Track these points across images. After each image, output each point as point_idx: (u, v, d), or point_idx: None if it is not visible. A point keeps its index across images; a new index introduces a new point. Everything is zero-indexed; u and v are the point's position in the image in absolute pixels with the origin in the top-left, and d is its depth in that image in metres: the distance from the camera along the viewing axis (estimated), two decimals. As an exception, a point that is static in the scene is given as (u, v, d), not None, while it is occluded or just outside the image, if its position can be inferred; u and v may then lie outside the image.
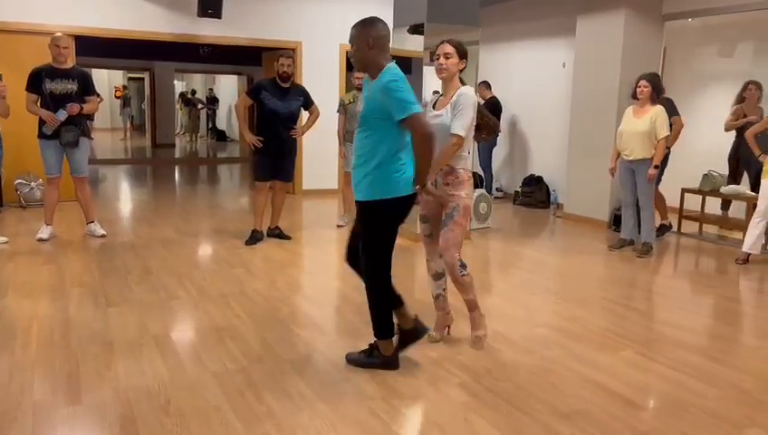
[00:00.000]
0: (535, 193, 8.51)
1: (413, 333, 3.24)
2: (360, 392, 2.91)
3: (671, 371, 3.26)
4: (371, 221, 3.01)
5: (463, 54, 3.32)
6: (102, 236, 5.90)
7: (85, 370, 3.05)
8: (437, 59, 3.34)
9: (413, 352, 3.36)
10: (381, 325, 3.12)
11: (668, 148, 5.86)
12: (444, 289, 3.57)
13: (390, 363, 3.15)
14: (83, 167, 5.76)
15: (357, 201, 3.04)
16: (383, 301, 3.11)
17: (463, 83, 3.39)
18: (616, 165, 5.93)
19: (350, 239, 3.22)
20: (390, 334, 3.14)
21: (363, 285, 3.16)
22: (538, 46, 8.70)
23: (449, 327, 3.63)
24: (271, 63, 8.23)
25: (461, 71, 3.36)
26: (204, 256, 5.55)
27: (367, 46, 2.95)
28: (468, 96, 3.29)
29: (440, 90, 3.53)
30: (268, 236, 6.05)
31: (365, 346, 3.27)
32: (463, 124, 3.25)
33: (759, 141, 5.71)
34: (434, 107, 3.43)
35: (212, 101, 20.54)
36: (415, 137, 2.85)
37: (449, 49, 3.29)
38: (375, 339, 3.17)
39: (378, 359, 3.16)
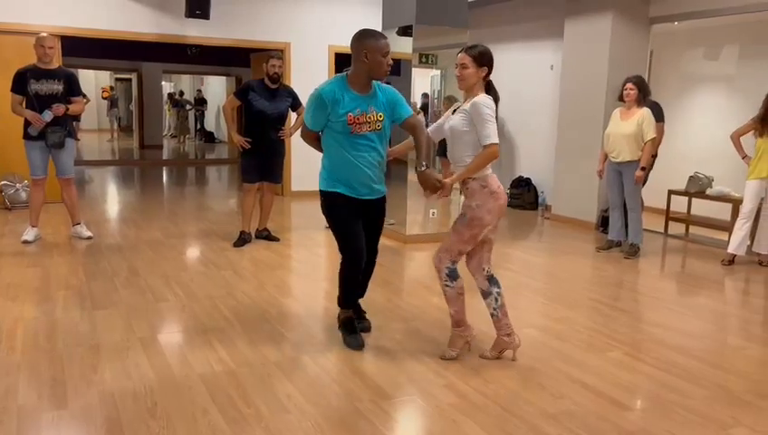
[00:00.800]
0: (523, 195, 8.54)
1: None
2: (348, 394, 2.91)
3: (658, 371, 3.29)
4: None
5: (482, 62, 3.17)
6: (89, 238, 5.86)
7: (71, 373, 3.02)
8: (456, 68, 3.25)
9: (402, 354, 3.36)
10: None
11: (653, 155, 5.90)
12: (495, 308, 3.32)
13: (345, 326, 3.51)
14: (69, 168, 5.71)
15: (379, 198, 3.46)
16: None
17: (488, 90, 3.26)
18: (604, 167, 5.97)
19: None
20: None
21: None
22: (526, 48, 8.74)
23: (507, 350, 3.37)
24: (259, 64, 8.21)
25: (484, 78, 3.23)
26: (191, 258, 5.52)
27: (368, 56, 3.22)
28: (479, 103, 3.13)
29: (428, 92, 3.55)
30: (256, 237, 6.03)
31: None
32: (490, 132, 3.12)
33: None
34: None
35: (200, 102, 20.45)
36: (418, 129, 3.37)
37: (464, 60, 3.18)
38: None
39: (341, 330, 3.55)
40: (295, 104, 5.84)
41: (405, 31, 6.09)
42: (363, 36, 3.27)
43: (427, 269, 5.13)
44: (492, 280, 3.32)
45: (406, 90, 6.02)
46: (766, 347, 3.73)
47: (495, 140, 3.11)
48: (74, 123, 5.83)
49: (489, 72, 3.23)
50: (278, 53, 5.72)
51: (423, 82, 6.62)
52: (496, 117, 3.23)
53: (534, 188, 8.55)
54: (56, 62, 5.74)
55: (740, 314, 4.46)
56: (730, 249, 5.69)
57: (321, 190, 3.47)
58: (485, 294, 3.33)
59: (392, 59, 3.33)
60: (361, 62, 3.22)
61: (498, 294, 3.32)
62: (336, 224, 3.49)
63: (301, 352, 3.40)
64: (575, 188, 7.43)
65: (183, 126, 19.73)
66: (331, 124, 3.29)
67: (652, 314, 4.35)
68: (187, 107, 20.04)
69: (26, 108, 5.41)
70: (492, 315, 3.34)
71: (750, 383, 3.18)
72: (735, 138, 5.67)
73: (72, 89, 5.59)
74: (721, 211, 6.76)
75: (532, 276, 5.27)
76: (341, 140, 3.31)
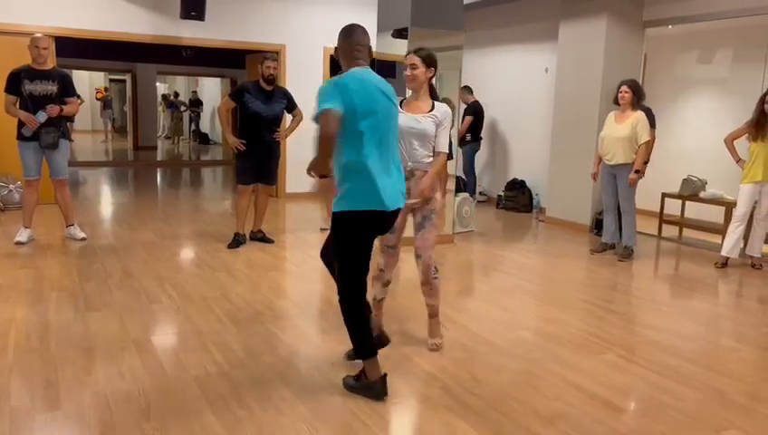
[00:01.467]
0: (518, 197, 8.56)
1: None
2: (342, 396, 2.90)
3: (651, 373, 3.30)
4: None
5: (430, 63, 3.38)
6: (82, 239, 5.83)
7: (64, 375, 3.01)
8: (405, 69, 3.44)
9: (396, 355, 3.36)
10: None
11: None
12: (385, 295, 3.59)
13: (372, 389, 2.86)
14: (63, 169, 5.68)
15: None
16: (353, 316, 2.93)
17: (432, 89, 3.48)
18: (598, 170, 5.99)
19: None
20: (371, 354, 2.90)
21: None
22: (521, 51, 8.76)
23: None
24: (254, 66, 8.21)
25: (430, 79, 3.43)
26: (186, 259, 5.50)
27: (338, 53, 3.02)
28: (448, 113, 3.44)
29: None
30: (251, 239, 6.02)
31: (347, 349, 3.28)
32: (446, 142, 3.44)
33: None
34: (401, 105, 3.43)
35: (196, 103, 20.41)
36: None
37: (414, 60, 3.38)
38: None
39: (359, 384, 2.91)
40: (290, 106, 5.84)
41: (400, 33, 6.09)
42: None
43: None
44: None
45: (400, 92, 6.00)
46: (759, 350, 3.75)
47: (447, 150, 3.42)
48: (68, 124, 5.80)
49: (433, 75, 3.44)
50: (273, 55, 5.72)
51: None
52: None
53: (529, 190, 8.56)
54: (50, 62, 5.72)
55: (733, 317, 4.48)
56: (723, 252, 5.72)
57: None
58: (388, 283, 3.56)
59: (387, 61, 3.34)
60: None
61: None
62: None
63: (295, 353, 3.39)
64: (569, 190, 7.45)
65: (177, 127, 19.70)
66: None
67: (646, 316, 4.37)
68: (182, 108, 20.00)
69: (20, 108, 5.39)
70: (382, 300, 3.58)
71: (743, 386, 3.20)
72: (729, 142, 5.70)
73: (67, 89, 5.57)
74: (714, 214, 6.79)
75: (526, 278, 5.28)
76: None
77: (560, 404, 2.90)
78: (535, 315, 4.26)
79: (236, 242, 5.81)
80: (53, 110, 5.38)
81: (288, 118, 6.01)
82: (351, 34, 2.96)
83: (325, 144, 2.74)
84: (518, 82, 8.72)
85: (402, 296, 4.55)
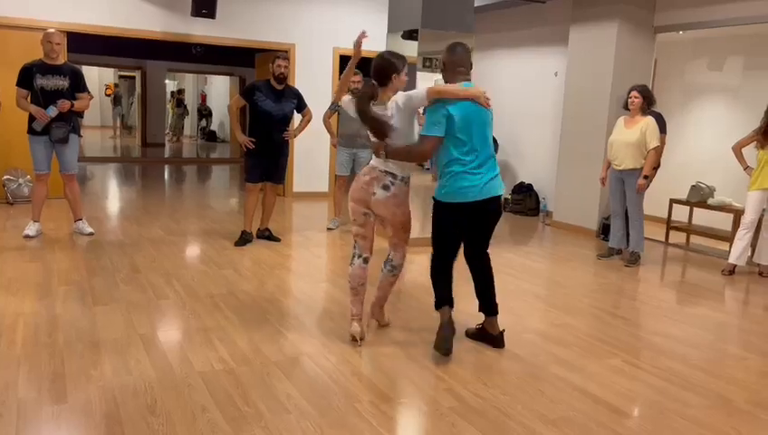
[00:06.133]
0: (525, 201, 8.55)
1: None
2: (347, 395, 2.91)
3: (657, 379, 3.29)
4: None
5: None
6: (90, 234, 5.86)
7: (71, 368, 3.03)
8: None
9: (402, 356, 3.37)
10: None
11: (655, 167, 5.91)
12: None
13: (438, 332, 3.44)
14: (73, 164, 5.72)
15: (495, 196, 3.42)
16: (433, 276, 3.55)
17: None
18: (606, 174, 5.98)
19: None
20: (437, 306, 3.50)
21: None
22: (531, 54, 8.75)
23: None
24: (264, 65, 8.25)
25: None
26: (192, 256, 5.52)
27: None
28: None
29: None
30: (258, 237, 6.04)
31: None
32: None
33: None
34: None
35: (206, 112, 20.50)
36: None
37: None
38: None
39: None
40: (301, 105, 5.85)
41: (410, 35, 6.10)
42: (463, 46, 3.49)
43: (426, 272, 5.13)
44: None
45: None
46: (765, 358, 3.73)
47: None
48: (79, 119, 5.83)
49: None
50: (285, 54, 5.73)
51: (426, 84, 6.62)
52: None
53: (536, 194, 8.55)
54: (62, 58, 5.75)
55: (740, 325, 4.46)
56: (731, 259, 5.70)
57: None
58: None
59: None
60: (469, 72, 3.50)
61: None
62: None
63: (300, 352, 3.40)
64: (577, 194, 7.44)
65: (178, 125, 19.73)
66: None
67: (652, 322, 4.35)
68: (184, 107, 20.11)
69: (31, 103, 5.42)
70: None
71: (749, 394, 3.18)
72: (737, 149, 5.68)
73: (78, 85, 5.60)
74: (722, 221, 6.77)
75: (533, 282, 5.27)
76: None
77: (565, 408, 2.90)
78: (541, 319, 4.25)
79: (243, 240, 5.83)
80: (64, 105, 5.41)
81: (297, 117, 6.03)
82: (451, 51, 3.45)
83: None
84: (527, 86, 8.70)
85: (409, 298, 4.55)
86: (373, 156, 3.49)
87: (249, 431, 2.54)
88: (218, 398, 2.81)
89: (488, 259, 3.59)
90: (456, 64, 3.39)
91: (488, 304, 3.59)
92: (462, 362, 3.37)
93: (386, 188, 3.41)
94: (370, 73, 3.46)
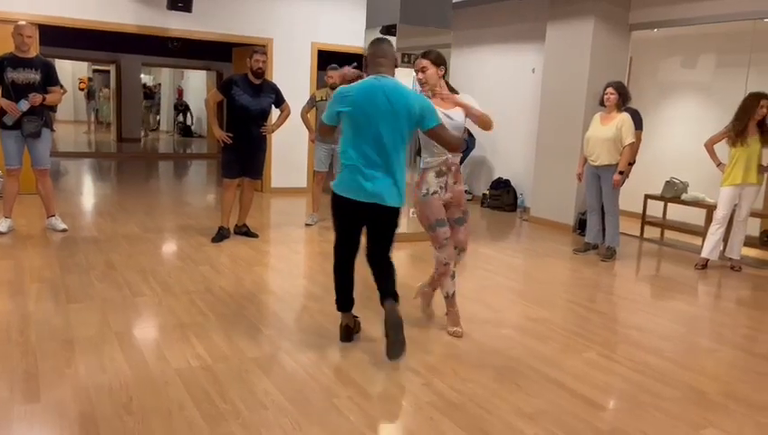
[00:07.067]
0: (503, 196, 8.60)
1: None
2: (326, 391, 2.90)
3: (632, 372, 3.34)
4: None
5: (440, 62, 3.63)
6: (63, 230, 5.77)
7: (44, 367, 2.98)
8: (416, 73, 3.68)
9: (380, 352, 3.37)
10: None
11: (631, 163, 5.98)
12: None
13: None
14: (45, 159, 5.62)
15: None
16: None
17: (450, 87, 3.70)
18: (583, 170, 6.04)
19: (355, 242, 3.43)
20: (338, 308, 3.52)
21: (330, 284, 3.53)
22: (508, 51, 8.80)
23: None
24: (241, 59, 8.17)
25: (442, 77, 3.66)
26: (169, 252, 5.46)
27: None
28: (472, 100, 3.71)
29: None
30: (235, 233, 5.99)
31: (331, 344, 3.33)
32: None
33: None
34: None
35: (183, 107, 20.27)
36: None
37: (423, 63, 3.63)
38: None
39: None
40: (279, 100, 5.81)
41: (389, 30, 6.09)
42: (388, 42, 3.41)
43: (408, 268, 5.15)
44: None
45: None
46: (737, 350, 3.80)
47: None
48: (51, 114, 5.73)
49: (445, 72, 3.68)
50: (263, 49, 5.69)
51: (405, 81, 6.62)
52: None
53: (514, 189, 8.61)
54: (34, 51, 5.64)
55: (712, 318, 4.54)
56: (703, 254, 5.80)
57: (399, 207, 3.32)
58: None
59: None
60: (394, 66, 3.37)
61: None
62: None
63: (278, 348, 3.39)
64: (554, 190, 7.50)
65: (146, 119, 19.51)
66: None
67: (627, 315, 4.41)
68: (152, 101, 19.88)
69: (2, 96, 5.31)
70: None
71: (721, 385, 3.25)
72: (709, 146, 5.77)
73: (50, 78, 5.50)
74: (695, 216, 6.88)
75: (510, 277, 5.31)
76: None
77: (541, 402, 2.93)
78: (519, 314, 4.29)
79: (220, 236, 5.78)
80: (36, 98, 5.31)
81: (276, 113, 5.99)
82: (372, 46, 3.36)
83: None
84: (505, 82, 8.75)
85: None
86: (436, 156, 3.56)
87: (226, 428, 2.52)
88: (195, 395, 2.78)
89: (388, 264, 3.38)
90: (375, 56, 3.28)
91: (383, 290, 3.34)
92: (439, 356, 3.38)
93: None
94: (439, 63, 3.57)
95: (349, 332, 3.50)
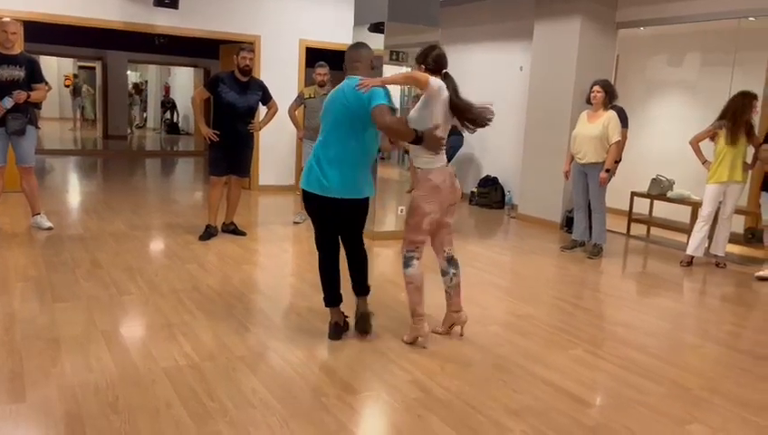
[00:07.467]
0: (490, 194, 8.64)
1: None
2: (313, 389, 2.91)
3: (618, 368, 3.37)
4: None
5: (419, 61, 3.51)
6: (49, 228, 5.72)
7: (29, 366, 2.96)
8: None
9: (368, 349, 3.38)
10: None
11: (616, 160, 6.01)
12: (449, 286, 3.64)
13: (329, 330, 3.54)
14: (30, 156, 5.57)
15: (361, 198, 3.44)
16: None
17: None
18: (570, 168, 6.07)
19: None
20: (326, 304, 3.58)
21: (318, 281, 3.59)
22: (496, 49, 8.82)
23: (455, 326, 3.69)
24: (228, 56, 8.13)
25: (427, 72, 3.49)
26: (156, 250, 5.44)
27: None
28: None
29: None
30: (222, 231, 5.97)
31: (319, 342, 3.34)
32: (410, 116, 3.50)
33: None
34: None
35: (170, 104, 20.14)
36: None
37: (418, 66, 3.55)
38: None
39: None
40: (266, 98, 5.79)
41: (377, 27, 6.09)
42: (366, 47, 3.54)
43: (395, 265, 5.15)
44: (451, 261, 3.63)
45: (376, 86, 6.02)
46: (721, 346, 3.85)
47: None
48: (36, 111, 5.67)
49: (425, 68, 3.48)
50: (249, 46, 5.67)
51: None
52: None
53: (501, 187, 8.64)
54: (18, 47, 5.59)
55: (697, 314, 4.59)
56: (689, 251, 5.85)
57: (369, 197, 3.55)
58: (443, 273, 3.64)
59: None
60: (369, 68, 3.47)
61: (454, 274, 3.61)
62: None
63: (266, 346, 3.38)
64: (541, 188, 7.54)
65: (128, 116, 19.42)
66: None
67: (613, 312, 4.45)
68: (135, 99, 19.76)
69: (-14, 94, 5.26)
70: (445, 292, 3.65)
71: (705, 381, 3.28)
72: (694, 143, 5.81)
73: (34, 75, 5.45)
74: (681, 214, 6.94)
75: (497, 274, 5.34)
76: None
77: (527, 398, 2.95)
78: (505, 311, 4.31)
79: (208, 234, 5.76)
80: (20, 96, 5.26)
81: (263, 110, 5.97)
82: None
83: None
84: (493, 80, 8.77)
85: (375, 291, 4.55)
86: (424, 159, 3.44)
87: (214, 426, 2.52)
88: (182, 394, 2.77)
89: (363, 255, 3.62)
90: (352, 60, 3.44)
91: (358, 285, 3.61)
92: (427, 353, 3.39)
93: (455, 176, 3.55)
94: (419, 62, 3.51)
95: (338, 329, 3.52)
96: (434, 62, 3.46)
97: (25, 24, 7.20)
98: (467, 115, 3.44)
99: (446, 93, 3.38)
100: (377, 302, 4.25)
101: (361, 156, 3.39)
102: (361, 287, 3.60)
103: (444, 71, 3.48)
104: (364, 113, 3.22)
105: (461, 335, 3.64)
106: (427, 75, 3.32)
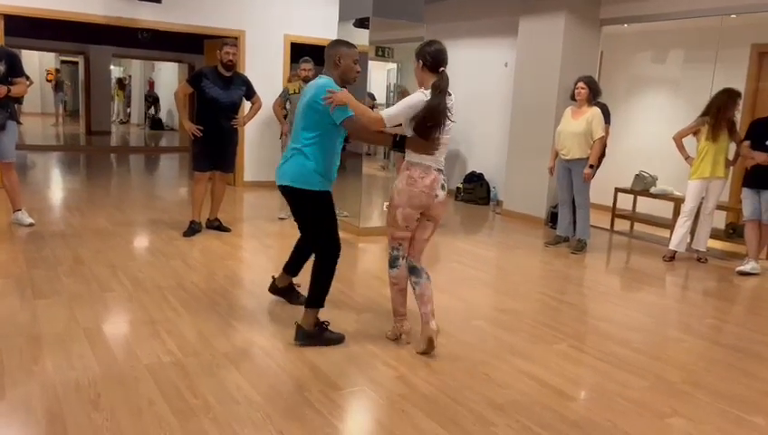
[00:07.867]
0: (476, 190, 8.66)
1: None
2: (297, 385, 2.90)
3: (601, 363, 3.39)
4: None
5: (417, 57, 3.44)
6: (30, 225, 5.65)
7: (9, 364, 2.92)
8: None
9: (352, 345, 3.37)
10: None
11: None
12: (415, 295, 3.41)
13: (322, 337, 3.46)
14: (10, 152, 5.49)
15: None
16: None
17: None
18: (554, 164, 6.10)
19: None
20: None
21: (303, 279, 3.54)
22: (481, 45, 8.84)
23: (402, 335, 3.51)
24: (212, 51, 8.06)
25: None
26: (139, 247, 5.39)
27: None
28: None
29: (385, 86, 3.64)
30: (207, 227, 5.93)
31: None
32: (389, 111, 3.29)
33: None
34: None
35: (153, 98, 19.95)
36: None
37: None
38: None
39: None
40: (250, 93, 5.76)
41: (362, 23, 6.07)
42: (336, 45, 3.47)
43: (380, 261, 5.15)
44: (413, 270, 3.40)
45: (361, 82, 6.00)
46: (702, 340, 3.89)
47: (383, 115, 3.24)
48: (16, 106, 5.59)
49: (419, 65, 3.41)
50: (233, 41, 5.62)
51: (380, 75, 6.63)
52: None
53: (487, 183, 8.67)
54: (-2, 41, 5.51)
55: (679, 308, 4.63)
56: (671, 246, 5.91)
57: (316, 191, 3.31)
58: (411, 282, 3.43)
59: None
60: (335, 65, 3.38)
61: (416, 283, 3.38)
62: (330, 222, 3.41)
63: (250, 342, 3.37)
64: (526, 184, 7.57)
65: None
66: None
67: (597, 307, 4.48)
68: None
69: (-35, 88, 5.17)
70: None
71: (687, 374, 3.32)
72: (677, 140, 5.86)
73: (15, 70, 5.37)
74: (664, 209, 7.00)
75: (482, 270, 5.35)
76: (336, 137, 3.38)
77: (512, 392, 2.96)
78: (490, 306, 4.33)
79: (192, 230, 5.72)
80: (0, 90, 5.18)
81: (247, 105, 5.93)
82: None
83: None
84: (478, 76, 8.79)
85: (361, 287, 4.56)
86: (412, 154, 3.29)
87: (197, 423, 2.50)
88: (165, 390, 2.75)
89: (318, 255, 3.41)
90: (330, 57, 3.42)
91: (293, 267, 3.95)
92: (411, 349, 3.40)
93: (443, 187, 3.30)
94: (417, 57, 3.44)
95: (273, 286, 4.02)
96: (431, 57, 3.37)
97: (6, 17, 7.09)
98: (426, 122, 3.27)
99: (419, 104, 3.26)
100: (363, 298, 4.25)
101: (314, 144, 3.34)
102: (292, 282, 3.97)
103: (441, 69, 3.36)
104: (317, 105, 3.24)
105: (426, 352, 3.32)
106: (379, 116, 3.19)
